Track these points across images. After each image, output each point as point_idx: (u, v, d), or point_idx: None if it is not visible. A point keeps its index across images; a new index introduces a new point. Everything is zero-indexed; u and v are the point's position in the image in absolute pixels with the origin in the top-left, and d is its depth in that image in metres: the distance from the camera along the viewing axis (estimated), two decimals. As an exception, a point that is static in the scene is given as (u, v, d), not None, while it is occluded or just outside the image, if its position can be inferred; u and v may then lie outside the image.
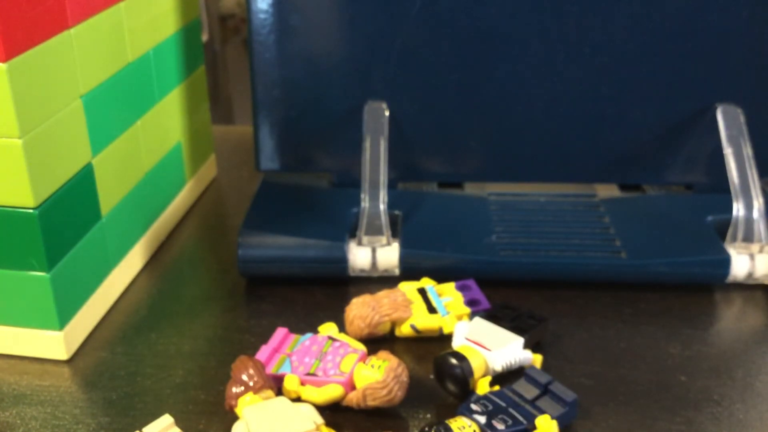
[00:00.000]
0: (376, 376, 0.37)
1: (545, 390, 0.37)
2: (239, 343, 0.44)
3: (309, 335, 0.42)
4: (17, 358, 0.43)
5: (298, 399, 0.38)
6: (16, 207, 0.39)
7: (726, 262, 0.47)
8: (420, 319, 0.43)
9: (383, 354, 0.39)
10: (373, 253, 0.49)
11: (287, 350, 0.41)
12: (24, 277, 0.41)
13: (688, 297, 0.47)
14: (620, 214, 0.52)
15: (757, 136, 0.51)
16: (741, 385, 0.40)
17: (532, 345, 0.42)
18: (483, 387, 0.38)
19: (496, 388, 0.38)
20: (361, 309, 0.43)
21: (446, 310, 0.44)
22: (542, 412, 0.36)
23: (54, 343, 0.42)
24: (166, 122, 0.54)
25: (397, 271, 0.49)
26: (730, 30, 0.51)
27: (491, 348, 0.40)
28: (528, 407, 0.37)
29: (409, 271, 0.48)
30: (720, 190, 0.52)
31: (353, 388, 0.38)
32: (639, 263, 0.47)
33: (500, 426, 0.35)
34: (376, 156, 0.51)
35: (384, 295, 0.44)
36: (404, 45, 0.52)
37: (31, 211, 0.39)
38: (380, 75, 0.53)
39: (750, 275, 0.47)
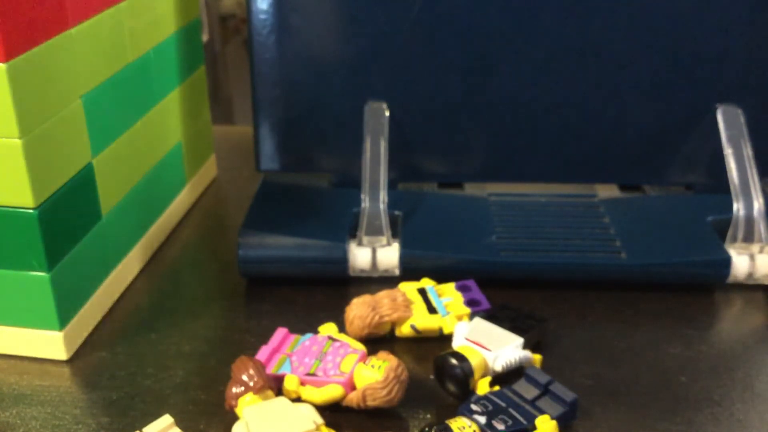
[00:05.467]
0: (376, 377, 0.37)
1: (545, 390, 0.37)
2: (239, 343, 0.44)
3: (309, 335, 0.42)
4: (17, 358, 0.43)
5: (298, 399, 0.38)
6: (16, 207, 0.39)
7: (726, 262, 0.47)
8: (420, 320, 0.43)
9: (383, 354, 0.39)
10: (373, 253, 0.48)
11: (287, 350, 0.41)
12: (24, 277, 0.41)
13: (688, 297, 0.47)
14: (620, 214, 0.52)
15: (757, 136, 0.51)
16: (741, 385, 0.40)
17: (532, 345, 0.42)
18: (483, 387, 0.38)
19: (496, 388, 0.38)
20: (361, 309, 0.43)
21: (446, 310, 0.44)
22: (542, 412, 0.36)
23: (54, 343, 0.42)
24: (166, 122, 0.54)
25: (397, 272, 0.49)
26: (730, 30, 0.51)
27: (491, 348, 0.40)
28: (528, 407, 0.37)
29: (409, 271, 0.48)
30: (720, 190, 0.52)
31: (353, 388, 0.38)
32: (639, 263, 0.47)
33: (500, 426, 0.35)
34: (376, 156, 0.51)
35: (384, 296, 0.44)
36: (404, 45, 0.52)
37: (31, 211, 0.39)
38: (380, 75, 0.53)
39: (750, 275, 0.47)
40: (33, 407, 0.39)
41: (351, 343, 0.40)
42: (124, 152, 0.48)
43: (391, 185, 0.53)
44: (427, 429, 0.35)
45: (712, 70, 0.52)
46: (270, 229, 0.50)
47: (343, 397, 0.38)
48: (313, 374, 0.39)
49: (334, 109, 0.53)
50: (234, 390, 0.37)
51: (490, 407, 0.36)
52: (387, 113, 0.53)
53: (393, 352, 0.41)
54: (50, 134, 0.40)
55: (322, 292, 0.48)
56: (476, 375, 0.39)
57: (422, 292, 0.45)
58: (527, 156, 0.54)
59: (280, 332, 0.42)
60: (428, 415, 0.38)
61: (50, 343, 0.42)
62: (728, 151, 0.50)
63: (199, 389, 0.41)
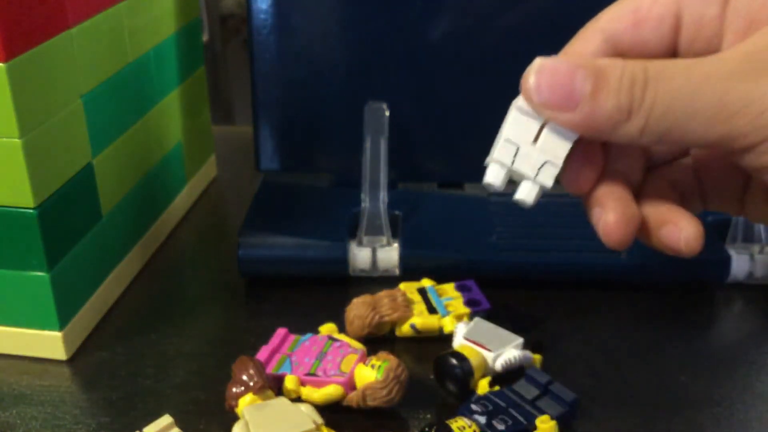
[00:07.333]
0: (376, 376, 0.37)
1: (545, 390, 0.37)
2: (239, 343, 0.44)
3: (309, 335, 0.42)
4: (17, 358, 0.43)
5: (298, 399, 0.38)
6: (16, 207, 0.39)
7: (726, 262, 0.47)
8: (420, 319, 0.43)
9: (383, 354, 0.39)
10: (373, 253, 0.48)
11: (287, 350, 0.41)
12: (24, 277, 0.41)
13: (688, 297, 0.47)
14: (620, 214, 0.52)
15: (757, 136, 0.51)
16: (741, 385, 0.40)
17: (532, 345, 0.42)
18: (483, 387, 0.38)
19: (496, 388, 0.38)
20: (361, 309, 0.43)
21: (446, 310, 0.44)
22: (542, 412, 0.36)
23: (54, 343, 0.42)
24: (166, 122, 0.54)
25: (397, 271, 0.49)
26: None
27: (491, 348, 0.40)
28: (528, 407, 0.37)
29: (409, 271, 0.48)
30: (720, 190, 0.51)
31: (353, 388, 0.38)
32: (639, 263, 0.47)
33: (500, 426, 0.35)
34: (376, 156, 0.51)
35: (384, 295, 0.44)
36: (404, 45, 0.52)
37: (31, 211, 0.39)
38: (380, 75, 0.53)
39: (750, 275, 0.47)
40: (33, 407, 0.39)
41: (351, 343, 0.40)
42: (124, 152, 0.48)
43: (391, 185, 0.53)
44: (427, 429, 0.35)
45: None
46: (270, 229, 0.50)
47: (343, 397, 0.38)
48: (313, 374, 0.39)
49: (334, 109, 0.53)
50: (234, 390, 0.37)
51: (490, 407, 0.36)
52: (387, 113, 0.52)
53: (393, 352, 0.41)
54: (50, 134, 0.40)
55: (322, 292, 0.48)
56: (476, 375, 0.39)
57: (422, 292, 0.45)
58: (527, 156, 0.54)
59: (280, 332, 0.42)
60: (428, 415, 0.38)
61: (50, 343, 0.42)
62: (728, 151, 0.50)
63: (199, 389, 0.41)
